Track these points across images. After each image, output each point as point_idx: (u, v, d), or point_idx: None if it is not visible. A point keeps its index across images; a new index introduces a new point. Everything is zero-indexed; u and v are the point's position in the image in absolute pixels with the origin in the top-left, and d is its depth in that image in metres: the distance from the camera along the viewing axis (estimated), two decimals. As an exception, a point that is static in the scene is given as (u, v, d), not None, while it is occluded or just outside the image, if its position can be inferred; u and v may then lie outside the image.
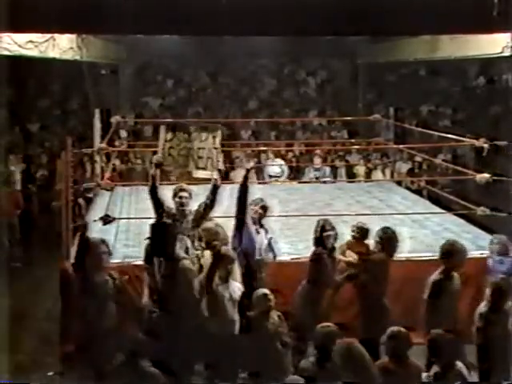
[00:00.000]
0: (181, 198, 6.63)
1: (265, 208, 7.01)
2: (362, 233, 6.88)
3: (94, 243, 6.24)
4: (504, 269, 7.02)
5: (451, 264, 6.24)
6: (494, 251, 7.21)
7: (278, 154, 14.16)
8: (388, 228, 6.65)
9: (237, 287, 6.17)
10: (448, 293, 6.17)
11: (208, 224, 6.47)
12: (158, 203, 6.46)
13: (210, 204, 6.71)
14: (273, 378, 5.40)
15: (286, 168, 13.58)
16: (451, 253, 6.29)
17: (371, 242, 6.81)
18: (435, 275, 6.24)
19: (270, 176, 13.34)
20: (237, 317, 6.03)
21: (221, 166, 6.93)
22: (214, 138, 6.77)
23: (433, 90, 18.08)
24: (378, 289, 6.46)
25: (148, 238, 6.24)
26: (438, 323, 5.71)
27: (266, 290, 5.95)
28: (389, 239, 6.50)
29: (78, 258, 6.21)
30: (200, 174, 6.79)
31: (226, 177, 10.82)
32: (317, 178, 13.15)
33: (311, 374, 4.95)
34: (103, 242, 6.33)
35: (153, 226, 6.21)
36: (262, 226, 6.98)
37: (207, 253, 6.27)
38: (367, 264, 6.48)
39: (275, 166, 13.49)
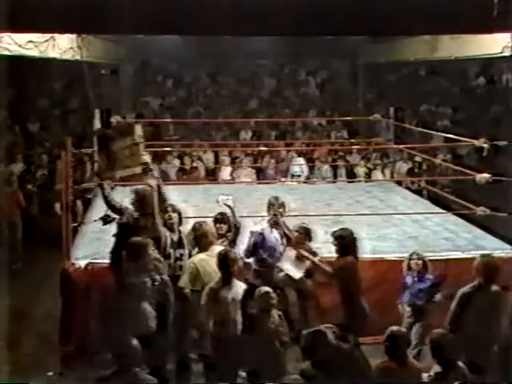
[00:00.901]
0: None
1: (283, 206, 7.05)
2: (305, 233, 6.94)
3: (144, 244, 5.92)
4: (422, 286, 6.84)
5: (484, 278, 6.03)
6: (414, 268, 6.94)
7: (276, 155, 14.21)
8: (345, 229, 6.58)
9: (240, 287, 6.11)
10: (477, 305, 5.95)
11: (198, 224, 6.53)
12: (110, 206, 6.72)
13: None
14: (271, 378, 5.39)
15: (305, 168, 13.60)
16: (482, 268, 6.07)
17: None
18: (467, 287, 6.04)
19: (293, 176, 13.38)
20: (239, 318, 5.98)
21: (147, 159, 7.02)
22: (132, 135, 6.87)
23: (433, 89, 18.08)
24: (354, 291, 6.39)
25: (114, 235, 6.31)
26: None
27: (268, 289, 5.93)
28: (352, 241, 6.45)
29: (114, 253, 5.93)
30: (124, 172, 6.92)
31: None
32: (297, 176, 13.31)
33: (311, 374, 4.95)
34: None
35: (118, 225, 6.37)
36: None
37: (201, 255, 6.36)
38: (337, 269, 6.41)
39: (295, 166, 13.51)
